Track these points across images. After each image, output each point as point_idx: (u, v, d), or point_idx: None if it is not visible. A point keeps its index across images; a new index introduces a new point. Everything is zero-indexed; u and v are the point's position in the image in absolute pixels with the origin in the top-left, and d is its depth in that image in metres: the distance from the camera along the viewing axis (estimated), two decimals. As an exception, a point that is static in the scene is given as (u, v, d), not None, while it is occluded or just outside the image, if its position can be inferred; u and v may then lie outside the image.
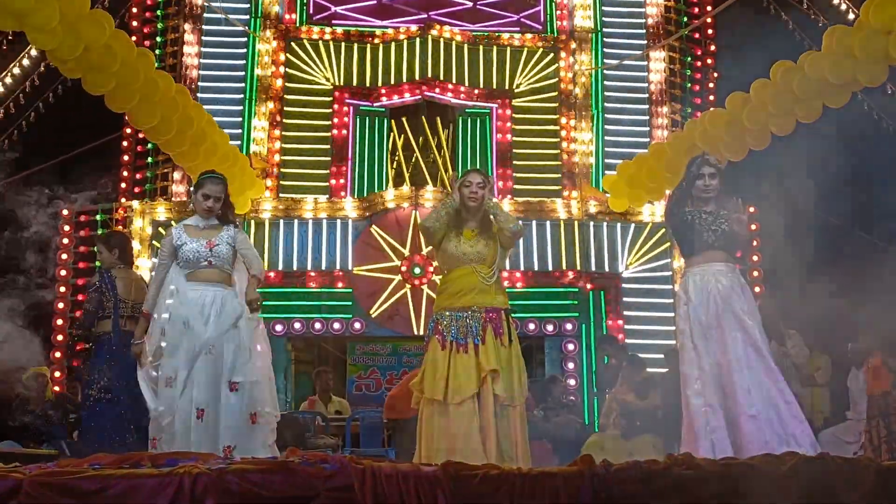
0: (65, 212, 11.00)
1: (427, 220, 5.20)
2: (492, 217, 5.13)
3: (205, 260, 5.32)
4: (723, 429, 4.66)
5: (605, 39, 12.34)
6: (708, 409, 4.71)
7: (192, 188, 5.61)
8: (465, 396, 4.81)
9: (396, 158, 12.00)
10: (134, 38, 12.02)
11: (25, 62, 10.59)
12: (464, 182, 5.22)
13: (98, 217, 11.13)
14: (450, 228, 5.15)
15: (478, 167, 11.69)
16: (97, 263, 10.28)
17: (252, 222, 10.84)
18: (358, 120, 11.89)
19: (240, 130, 11.64)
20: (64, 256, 10.90)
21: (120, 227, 10.88)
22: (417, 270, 10.65)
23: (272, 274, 10.71)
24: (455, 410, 4.81)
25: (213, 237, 5.39)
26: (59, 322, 10.67)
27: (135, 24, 12.13)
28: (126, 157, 11.73)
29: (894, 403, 7.20)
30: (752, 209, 11.50)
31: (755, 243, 11.34)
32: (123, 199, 11.41)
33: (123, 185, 11.73)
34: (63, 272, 10.84)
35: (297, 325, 10.70)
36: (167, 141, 8.97)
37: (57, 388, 9.47)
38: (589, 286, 11.00)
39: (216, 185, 5.47)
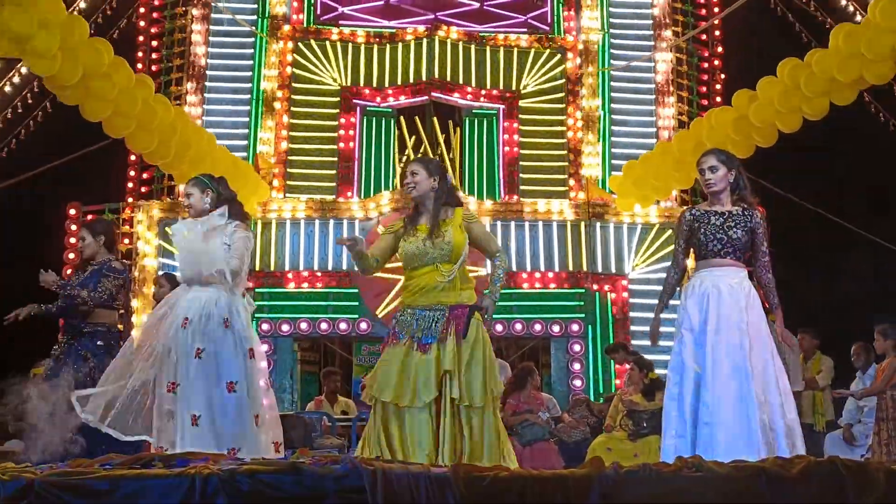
0: (72, 211, 11.02)
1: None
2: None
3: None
4: (685, 437, 4.62)
5: (611, 41, 12.36)
6: (676, 415, 4.71)
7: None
8: (424, 402, 4.55)
9: (403, 159, 12.00)
10: (141, 38, 12.11)
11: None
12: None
13: (105, 216, 11.14)
14: (406, 226, 4.92)
15: (485, 168, 11.91)
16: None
17: (259, 223, 10.85)
18: (365, 120, 11.90)
19: (247, 130, 11.67)
20: (71, 256, 10.92)
21: (127, 227, 10.94)
22: (424, 271, 10.63)
23: (278, 274, 10.74)
24: (409, 415, 4.55)
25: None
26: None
27: (142, 24, 12.18)
28: (133, 157, 11.76)
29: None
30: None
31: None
32: (130, 199, 11.43)
33: (130, 184, 11.75)
34: (69, 272, 10.85)
35: (303, 326, 10.70)
36: (166, 164, 8.99)
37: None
38: (595, 287, 11.00)
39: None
